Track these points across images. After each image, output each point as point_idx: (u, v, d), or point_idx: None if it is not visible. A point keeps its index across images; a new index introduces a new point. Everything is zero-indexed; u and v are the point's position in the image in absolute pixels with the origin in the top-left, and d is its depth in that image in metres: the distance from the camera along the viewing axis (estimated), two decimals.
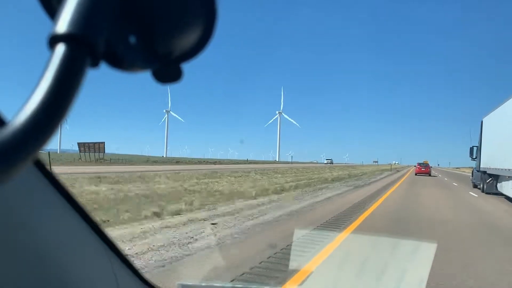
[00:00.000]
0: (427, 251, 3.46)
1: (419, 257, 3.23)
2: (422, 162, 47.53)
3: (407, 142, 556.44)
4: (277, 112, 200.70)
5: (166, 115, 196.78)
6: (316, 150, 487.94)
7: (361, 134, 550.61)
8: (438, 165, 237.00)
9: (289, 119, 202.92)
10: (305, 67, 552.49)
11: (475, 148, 22.13)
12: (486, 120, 19.94)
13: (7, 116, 0.67)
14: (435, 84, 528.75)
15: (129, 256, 1.18)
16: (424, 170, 44.68)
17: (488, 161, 18.19)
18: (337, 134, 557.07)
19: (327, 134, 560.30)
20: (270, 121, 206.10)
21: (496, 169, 16.43)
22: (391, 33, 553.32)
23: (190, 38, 0.42)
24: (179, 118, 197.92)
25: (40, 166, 0.82)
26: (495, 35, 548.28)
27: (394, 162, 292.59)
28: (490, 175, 17.94)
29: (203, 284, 1.85)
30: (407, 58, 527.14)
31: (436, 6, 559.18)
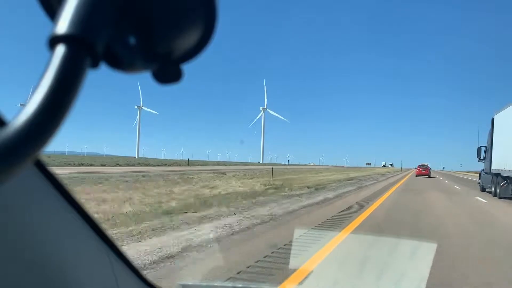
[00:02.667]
0: (427, 251, 3.46)
1: (419, 257, 3.23)
2: (422, 164, 49.96)
3: (408, 144, 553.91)
4: (261, 108, 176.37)
5: (139, 112, 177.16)
6: (316, 152, 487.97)
7: (362, 136, 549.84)
8: (443, 168, 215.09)
9: (275, 114, 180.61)
10: (303, 68, 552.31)
11: (483, 148, 20.38)
12: (498, 117, 17.96)
13: (8, 116, 0.67)
14: (437, 83, 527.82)
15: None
16: (424, 172, 47.78)
17: (502, 162, 16.46)
18: (338, 135, 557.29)
19: (327, 136, 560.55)
20: (256, 119, 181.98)
21: None
22: (389, 32, 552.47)
23: (190, 38, 0.42)
24: (152, 111, 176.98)
25: (40, 166, 0.82)
26: (498, 32, 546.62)
27: (384, 163, 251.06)
28: (505, 178, 16.25)
29: (203, 284, 1.85)
30: (409, 56, 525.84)
31: (430, 5, 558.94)
